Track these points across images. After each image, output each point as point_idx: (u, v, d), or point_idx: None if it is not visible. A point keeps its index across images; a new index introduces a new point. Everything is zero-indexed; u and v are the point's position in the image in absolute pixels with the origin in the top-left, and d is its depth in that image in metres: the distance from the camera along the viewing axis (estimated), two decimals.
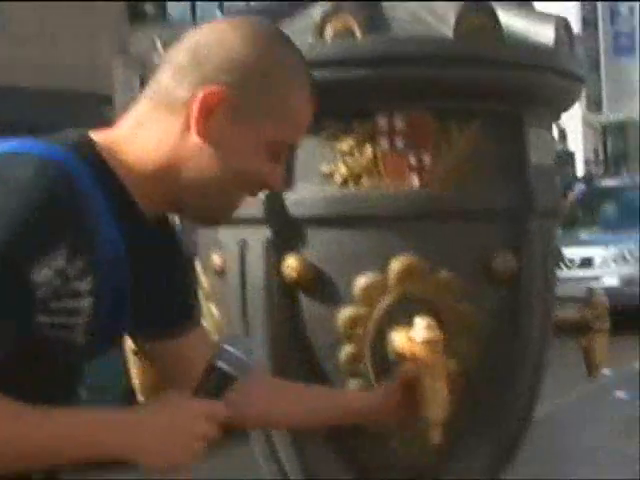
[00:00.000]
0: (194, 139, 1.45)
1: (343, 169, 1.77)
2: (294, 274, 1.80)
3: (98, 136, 1.48)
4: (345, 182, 1.77)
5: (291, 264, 1.80)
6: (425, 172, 1.75)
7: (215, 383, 1.40)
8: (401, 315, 1.77)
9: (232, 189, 1.48)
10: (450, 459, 1.88)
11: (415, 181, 1.75)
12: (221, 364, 1.39)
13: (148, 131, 1.47)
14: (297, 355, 1.84)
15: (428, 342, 1.64)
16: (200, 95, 1.44)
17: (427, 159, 1.75)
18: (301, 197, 1.80)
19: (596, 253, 10.73)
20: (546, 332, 1.87)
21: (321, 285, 1.81)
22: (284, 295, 1.82)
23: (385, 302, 1.77)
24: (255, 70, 1.47)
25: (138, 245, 1.46)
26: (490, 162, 1.79)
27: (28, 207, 1.34)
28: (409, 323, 1.74)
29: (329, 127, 1.77)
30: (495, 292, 1.79)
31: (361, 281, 1.78)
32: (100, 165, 1.44)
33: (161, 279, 1.53)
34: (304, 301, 1.82)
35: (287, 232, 1.80)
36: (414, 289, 1.76)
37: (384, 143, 1.75)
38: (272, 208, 1.79)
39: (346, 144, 1.77)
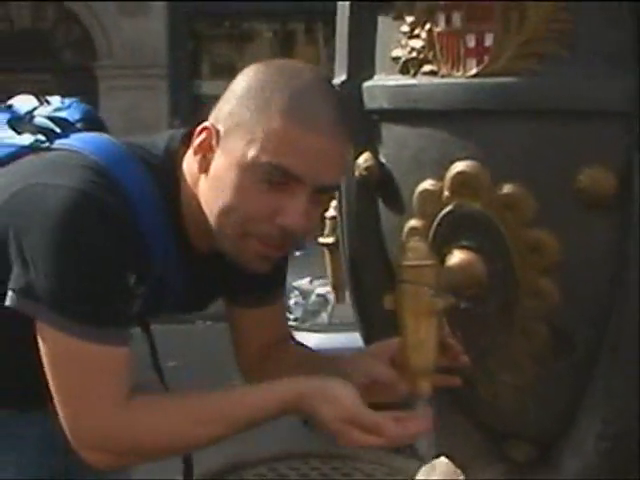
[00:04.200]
0: (202, 177, 1.44)
1: (403, 52, 1.44)
2: (365, 172, 1.53)
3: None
4: (406, 69, 1.44)
5: (364, 160, 1.53)
6: (491, 55, 1.35)
7: None
8: (454, 236, 1.42)
9: (245, 232, 1.41)
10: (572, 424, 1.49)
11: (475, 66, 1.36)
12: None
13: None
14: (376, 259, 1.57)
15: (412, 267, 1.30)
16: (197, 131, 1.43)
17: (491, 39, 1.35)
18: (372, 86, 1.51)
19: None
20: None
21: (390, 188, 1.52)
22: (361, 195, 1.57)
23: (439, 217, 1.44)
24: (240, 98, 1.41)
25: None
26: (586, 44, 1.32)
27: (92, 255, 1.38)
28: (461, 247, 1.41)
29: (397, 5, 1.45)
30: (584, 219, 1.35)
31: (420, 188, 1.46)
32: (169, 189, 1.48)
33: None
34: (379, 204, 1.55)
35: (363, 126, 1.53)
36: (472, 204, 1.40)
37: (441, 21, 1.38)
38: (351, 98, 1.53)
39: (407, 24, 1.43)
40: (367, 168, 1.52)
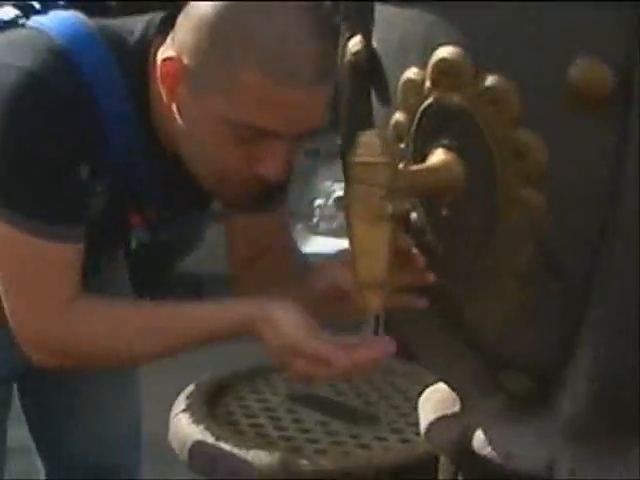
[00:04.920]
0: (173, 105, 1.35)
1: None
2: (353, 57, 1.35)
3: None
4: None
5: (353, 44, 1.35)
6: None
7: None
8: (435, 133, 1.24)
9: (222, 178, 1.35)
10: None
11: None
12: None
13: None
14: None
15: (362, 165, 1.12)
16: (159, 63, 1.33)
17: None
18: None
19: None
20: None
21: (379, 77, 1.33)
22: (352, 83, 1.38)
23: (419, 111, 1.25)
24: (210, 34, 1.28)
25: None
26: None
27: (43, 134, 1.29)
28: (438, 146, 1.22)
29: None
30: (575, 120, 1.14)
31: (404, 77, 1.27)
32: (137, 81, 1.39)
33: None
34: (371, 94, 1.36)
35: (356, 5, 1.34)
36: (454, 98, 1.20)
37: None
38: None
39: None
40: (355, 53, 1.34)
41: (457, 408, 1.47)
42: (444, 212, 1.25)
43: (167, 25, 1.37)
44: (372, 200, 1.12)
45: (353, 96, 1.39)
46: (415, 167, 1.19)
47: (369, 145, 1.13)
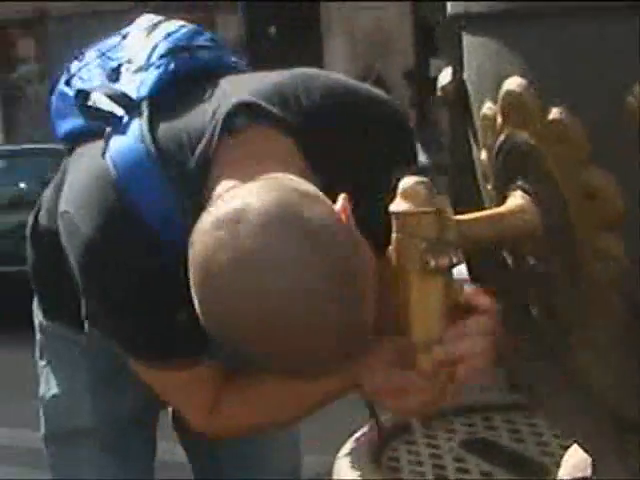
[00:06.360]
0: None
1: None
2: (441, 92, 1.24)
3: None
4: None
5: (442, 77, 1.24)
6: None
7: None
8: (510, 175, 1.10)
9: None
10: None
11: None
12: None
13: None
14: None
15: (404, 216, 1.01)
16: None
17: None
18: None
19: None
20: None
21: (466, 112, 1.21)
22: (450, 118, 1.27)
23: (495, 149, 1.12)
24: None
25: None
26: None
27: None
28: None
29: None
30: None
31: (481, 114, 1.15)
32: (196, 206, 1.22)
33: None
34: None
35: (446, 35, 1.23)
36: (521, 134, 1.07)
37: None
38: None
39: None
40: (442, 88, 1.23)
41: (589, 471, 1.32)
42: (526, 263, 1.12)
43: (231, 123, 1.27)
44: (414, 253, 1.02)
45: (451, 133, 1.28)
46: (469, 215, 1.08)
47: (413, 194, 1.03)
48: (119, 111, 1.38)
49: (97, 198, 1.31)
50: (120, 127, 1.36)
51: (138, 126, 1.33)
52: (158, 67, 1.42)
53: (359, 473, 1.70)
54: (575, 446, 1.41)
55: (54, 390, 1.63)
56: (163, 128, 1.33)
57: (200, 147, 1.27)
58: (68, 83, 1.54)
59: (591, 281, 1.06)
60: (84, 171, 1.37)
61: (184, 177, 1.26)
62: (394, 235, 1.04)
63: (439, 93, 1.24)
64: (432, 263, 1.01)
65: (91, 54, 1.58)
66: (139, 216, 1.26)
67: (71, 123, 1.50)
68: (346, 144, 1.31)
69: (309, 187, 1.13)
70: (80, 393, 1.62)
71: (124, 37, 1.54)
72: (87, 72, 1.53)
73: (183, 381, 1.36)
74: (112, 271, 1.28)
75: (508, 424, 1.88)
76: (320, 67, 1.47)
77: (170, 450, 1.92)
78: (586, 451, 1.32)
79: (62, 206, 1.37)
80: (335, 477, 1.76)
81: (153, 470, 1.71)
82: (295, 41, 12.96)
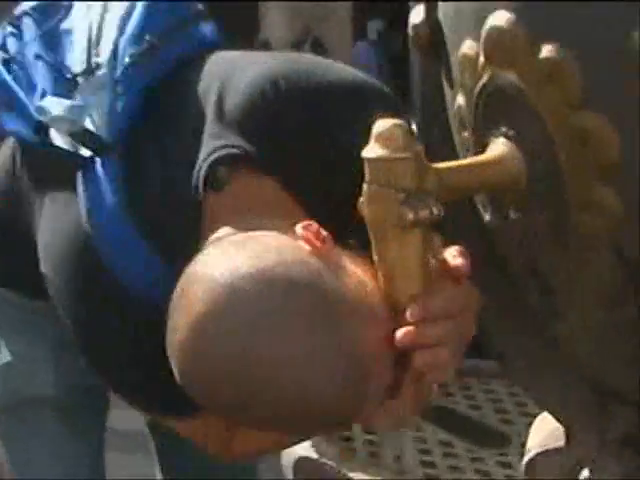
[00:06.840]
0: None
1: None
2: (412, 31, 1.14)
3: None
4: None
5: (414, 16, 1.14)
6: None
7: None
8: (492, 119, 1.01)
9: None
10: None
11: None
12: None
13: None
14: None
15: (378, 162, 0.92)
16: None
17: None
18: None
19: None
20: None
21: (441, 52, 1.12)
22: (422, 60, 1.17)
23: (476, 92, 1.02)
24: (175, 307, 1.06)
25: None
26: None
27: None
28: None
29: None
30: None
31: (460, 53, 1.05)
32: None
33: None
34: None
35: None
36: (507, 74, 0.97)
37: None
38: None
39: None
40: (414, 27, 1.13)
41: (563, 442, 1.24)
42: (508, 215, 1.03)
43: (214, 179, 1.16)
44: (390, 205, 0.92)
45: (421, 79, 1.18)
46: (448, 164, 0.98)
47: (388, 137, 0.93)
48: (86, 152, 1.24)
49: (79, 268, 1.23)
50: (92, 175, 1.22)
51: (115, 187, 1.21)
52: (125, 86, 1.26)
53: (312, 443, 1.62)
54: (543, 415, 1.33)
55: (6, 357, 1.51)
56: (144, 183, 1.21)
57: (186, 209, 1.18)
58: (7, 63, 1.36)
59: (579, 236, 0.97)
60: (60, 237, 1.26)
61: (170, 245, 1.18)
62: (367, 186, 0.94)
63: (410, 33, 1.14)
64: (411, 216, 0.91)
65: (28, 24, 1.40)
66: (124, 287, 1.20)
67: (16, 124, 1.33)
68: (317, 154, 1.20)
69: (302, 251, 1.02)
70: (40, 361, 1.51)
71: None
72: (29, 64, 1.35)
73: (193, 427, 1.32)
74: (106, 348, 1.25)
75: (464, 390, 1.81)
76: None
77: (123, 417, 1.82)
78: (560, 421, 1.24)
79: (42, 267, 1.29)
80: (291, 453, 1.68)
81: (103, 441, 1.60)
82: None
